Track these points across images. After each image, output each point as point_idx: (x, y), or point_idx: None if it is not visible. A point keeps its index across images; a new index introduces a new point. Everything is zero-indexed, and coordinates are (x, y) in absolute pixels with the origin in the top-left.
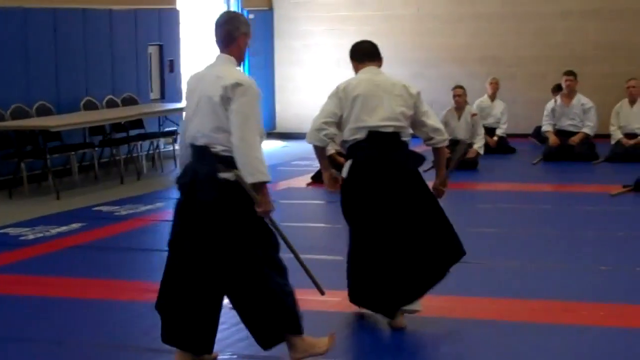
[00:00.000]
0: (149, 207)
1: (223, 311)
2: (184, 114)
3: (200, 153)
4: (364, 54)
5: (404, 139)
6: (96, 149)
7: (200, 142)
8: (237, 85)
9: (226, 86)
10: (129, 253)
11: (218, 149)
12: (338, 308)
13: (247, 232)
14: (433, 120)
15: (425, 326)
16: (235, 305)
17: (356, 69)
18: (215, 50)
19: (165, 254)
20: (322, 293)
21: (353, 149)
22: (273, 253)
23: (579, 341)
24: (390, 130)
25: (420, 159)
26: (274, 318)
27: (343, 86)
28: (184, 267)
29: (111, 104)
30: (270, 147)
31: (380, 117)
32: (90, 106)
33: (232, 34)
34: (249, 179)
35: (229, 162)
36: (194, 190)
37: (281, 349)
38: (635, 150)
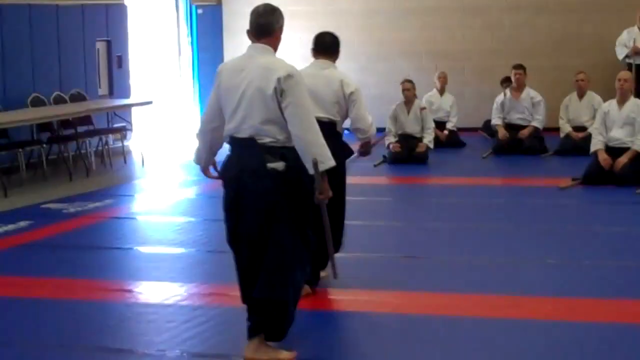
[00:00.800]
0: (97, 204)
1: (172, 309)
2: (210, 102)
3: (246, 145)
4: (320, 47)
5: (338, 129)
6: (44, 145)
7: (245, 134)
8: (289, 77)
9: (279, 78)
10: (78, 251)
11: (266, 140)
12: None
13: (295, 221)
14: (360, 117)
15: (376, 322)
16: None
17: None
18: (165, 46)
19: (114, 251)
20: (335, 277)
21: None
22: (310, 246)
23: (525, 335)
24: (326, 121)
25: (349, 151)
26: (276, 315)
27: None
28: (249, 256)
29: (59, 100)
30: None
31: (317, 109)
32: (37, 103)
33: (273, 25)
34: (321, 166)
35: (277, 153)
36: (244, 182)
37: (229, 348)
38: (583, 143)
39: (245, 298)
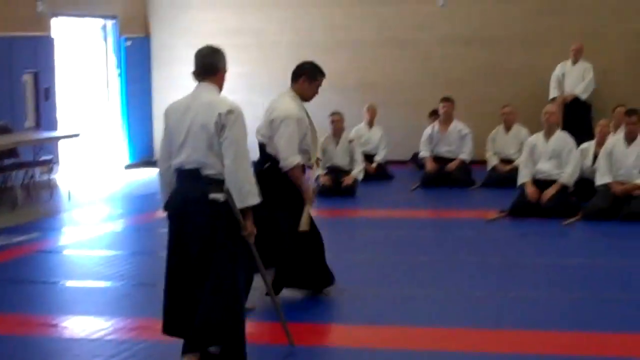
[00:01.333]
0: (23, 237)
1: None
2: (162, 143)
3: (190, 176)
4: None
5: (268, 151)
6: None
7: (190, 166)
8: (230, 112)
9: (220, 113)
10: (3, 285)
11: (209, 172)
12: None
13: (234, 252)
14: (281, 146)
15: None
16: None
17: None
18: (93, 77)
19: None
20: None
21: None
22: (246, 277)
23: None
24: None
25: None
26: (227, 337)
27: None
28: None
29: None
30: (149, 175)
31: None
32: None
33: (216, 65)
34: (239, 204)
35: (219, 185)
36: (186, 212)
37: None
38: (510, 175)
39: (173, 328)
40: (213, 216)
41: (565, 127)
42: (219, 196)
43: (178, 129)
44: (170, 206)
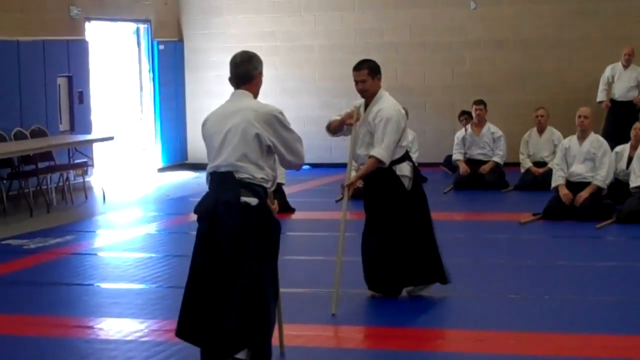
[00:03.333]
0: (58, 240)
1: (132, 345)
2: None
3: (224, 179)
4: None
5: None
6: (4, 181)
7: (224, 169)
8: (274, 116)
9: (263, 119)
10: (38, 287)
11: (243, 176)
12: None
13: (264, 255)
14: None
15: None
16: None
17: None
18: (126, 81)
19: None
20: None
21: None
22: (275, 281)
23: None
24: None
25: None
26: (258, 341)
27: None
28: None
29: (19, 136)
30: (182, 178)
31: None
32: None
33: (251, 72)
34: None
35: (252, 190)
36: (217, 213)
37: None
38: (544, 178)
39: (189, 333)
40: (244, 220)
41: (613, 131)
42: (252, 200)
43: (215, 135)
44: (200, 208)
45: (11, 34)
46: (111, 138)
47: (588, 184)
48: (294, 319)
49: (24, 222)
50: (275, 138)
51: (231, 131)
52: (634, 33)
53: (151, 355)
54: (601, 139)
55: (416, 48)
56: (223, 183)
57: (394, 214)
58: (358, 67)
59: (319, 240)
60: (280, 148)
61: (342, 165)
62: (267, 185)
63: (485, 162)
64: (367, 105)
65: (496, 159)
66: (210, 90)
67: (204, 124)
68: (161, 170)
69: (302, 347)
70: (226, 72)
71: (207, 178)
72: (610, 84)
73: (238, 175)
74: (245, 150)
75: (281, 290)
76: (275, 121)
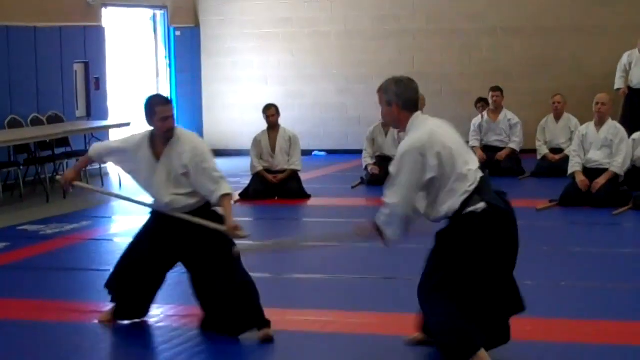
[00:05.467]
0: (74, 225)
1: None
2: None
3: None
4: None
5: None
6: (21, 167)
7: None
8: None
9: None
10: (55, 273)
11: None
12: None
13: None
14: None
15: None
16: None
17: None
18: (143, 67)
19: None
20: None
21: None
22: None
23: (504, 356)
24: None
25: None
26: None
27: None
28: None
29: (36, 122)
30: None
31: None
32: (14, 124)
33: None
34: None
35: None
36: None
37: None
38: (560, 165)
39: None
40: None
41: (631, 118)
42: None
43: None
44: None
45: (28, 20)
46: (127, 124)
47: (605, 170)
48: (310, 305)
49: (41, 207)
50: None
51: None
52: None
53: (167, 340)
54: (618, 125)
55: (433, 35)
56: None
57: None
58: None
59: (334, 226)
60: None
61: (358, 152)
62: None
63: (501, 149)
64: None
65: (513, 145)
66: (226, 76)
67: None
68: None
69: (318, 332)
70: (242, 58)
71: None
72: (627, 71)
73: None
74: None
75: (298, 275)
76: None
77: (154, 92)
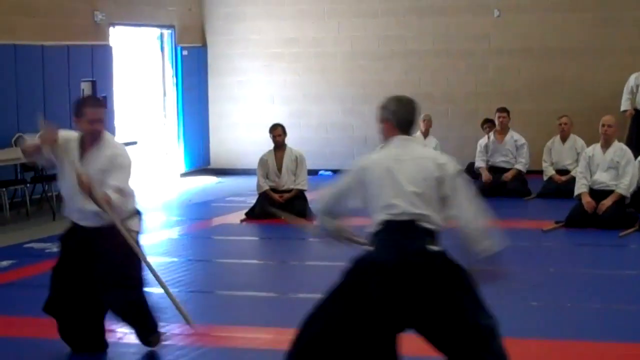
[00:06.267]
0: None
1: (154, 350)
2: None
3: None
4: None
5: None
6: (28, 185)
7: None
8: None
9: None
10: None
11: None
12: (270, 345)
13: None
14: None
15: None
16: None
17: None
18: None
19: None
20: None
21: None
22: None
23: None
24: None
25: None
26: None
27: None
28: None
29: None
30: (205, 183)
31: None
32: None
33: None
34: None
35: None
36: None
37: None
38: (566, 186)
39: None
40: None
41: (637, 140)
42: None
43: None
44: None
45: (36, 38)
46: (134, 143)
47: (611, 192)
48: None
49: (47, 225)
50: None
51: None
52: None
53: (173, 359)
54: (625, 147)
55: (439, 55)
56: None
57: None
58: None
59: (342, 246)
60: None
61: None
62: None
63: (507, 170)
64: None
65: (519, 166)
66: (233, 96)
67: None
68: (184, 175)
69: None
70: (248, 78)
71: None
72: (634, 93)
73: None
74: None
75: (304, 295)
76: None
77: (159, 111)
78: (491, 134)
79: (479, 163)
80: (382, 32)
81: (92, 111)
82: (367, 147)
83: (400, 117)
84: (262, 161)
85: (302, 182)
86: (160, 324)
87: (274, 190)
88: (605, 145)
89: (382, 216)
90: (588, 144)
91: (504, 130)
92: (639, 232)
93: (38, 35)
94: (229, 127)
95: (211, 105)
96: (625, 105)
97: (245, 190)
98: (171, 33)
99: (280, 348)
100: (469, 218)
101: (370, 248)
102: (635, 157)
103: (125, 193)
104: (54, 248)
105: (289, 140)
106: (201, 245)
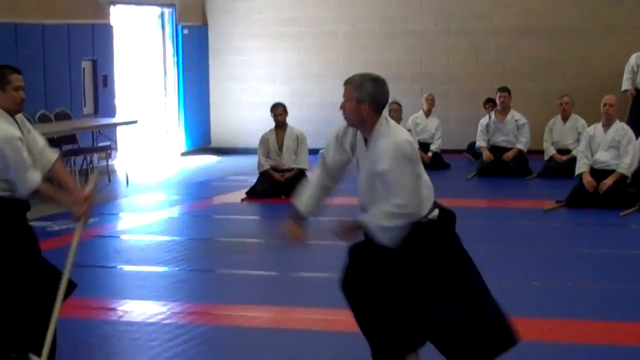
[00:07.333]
0: None
1: (154, 328)
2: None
3: None
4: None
5: None
6: None
7: None
8: None
9: None
10: (61, 269)
11: None
12: (270, 324)
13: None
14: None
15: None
16: None
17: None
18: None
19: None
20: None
21: None
22: None
23: (507, 356)
24: None
25: None
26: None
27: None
28: None
29: (44, 119)
30: (205, 162)
31: None
32: None
33: None
34: None
35: None
36: None
37: None
38: (567, 165)
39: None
40: None
41: (638, 119)
42: None
43: None
44: None
45: (36, 17)
46: (135, 122)
47: (612, 171)
48: (320, 304)
49: (47, 204)
50: None
51: None
52: None
53: (173, 337)
54: (626, 126)
55: (440, 35)
56: None
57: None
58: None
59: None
60: None
61: None
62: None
63: (508, 149)
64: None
65: (520, 146)
66: (233, 75)
67: None
68: (184, 154)
69: (325, 330)
70: (249, 57)
71: None
72: (635, 73)
73: None
74: None
75: (305, 274)
76: None
77: (160, 90)
78: (492, 114)
79: (480, 142)
80: (383, 11)
81: (17, 77)
82: None
83: (379, 101)
84: (263, 140)
85: (303, 161)
86: (160, 302)
87: (274, 169)
88: (607, 125)
89: None
90: (589, 123)
91: (505, 110)
92: None
93: (39, 13)
94: (230, 106)
95: (212, 85)
96: (626, 85)
97: (246, 169)
98: (172, 12)
99: (281, 327)
100: None
101: None
102: (637, 137)
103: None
104: (55, 227)
105: (290, 120)
106: (202, 224)
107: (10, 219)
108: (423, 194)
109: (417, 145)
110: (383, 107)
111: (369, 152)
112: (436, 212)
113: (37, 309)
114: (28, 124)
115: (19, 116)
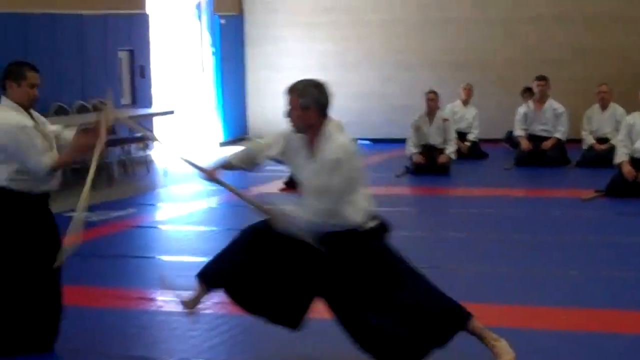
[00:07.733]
0: (120, 213)
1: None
2: None
3: None
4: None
5: None
6: None
7: None
8: None
9: None
10: (101, 260)
11: None
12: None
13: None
14: None
15: None
16: None
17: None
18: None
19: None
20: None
21: None
22: None
23: (548, 345)
24: None
25: None
26: None
27: None
28: None
29: (82, 110)
30: None
31: None
32: (60, 112)
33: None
34: None
35: None
36: None
37: (252, 356)
38: (606, 155)
39: None
40: None
41: None
42: None
43: None
44: None
45: (74, 7)
46: (171, 112)
47: None
48: None
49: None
50: None
51: None
52: None
53: (212, 327)
54: None
55: (478, 23)
56: None
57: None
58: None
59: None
60: None
61: (402, 141)
62: None
63: (547, 138)
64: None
65: (558, 135)
66: (269, 64)
67: None
68: (223, 144)
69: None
70: (285, 46)
71: None
72: None
73: None
74: None
75: None
76: None
77: (197, 80)
78: (530, 103)
79: (518, 132)
80: (420, 0)
81: (34, 75)
82: (406, 115)
83: (323, 104)
84: None
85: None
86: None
87: None
88: None
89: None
90: (628, 112)
91: (542, 99)
92: None
93: (76, 4)
94: (267, 96)
95: (248, 74)
96: None
97: None
98: (209, 1)
99: (315, 316)
100: None
101: None
102: None
103: None
104: (94, 217)
105: None
106: (240, 214)
107: (26, 214)
108: (358, 203)
109: (455, 135)
110: (327, 109)
111: (315, 154)
112: (373, 223)
113: (43, 298)
114: (42, 118)
115: (34, 113)
